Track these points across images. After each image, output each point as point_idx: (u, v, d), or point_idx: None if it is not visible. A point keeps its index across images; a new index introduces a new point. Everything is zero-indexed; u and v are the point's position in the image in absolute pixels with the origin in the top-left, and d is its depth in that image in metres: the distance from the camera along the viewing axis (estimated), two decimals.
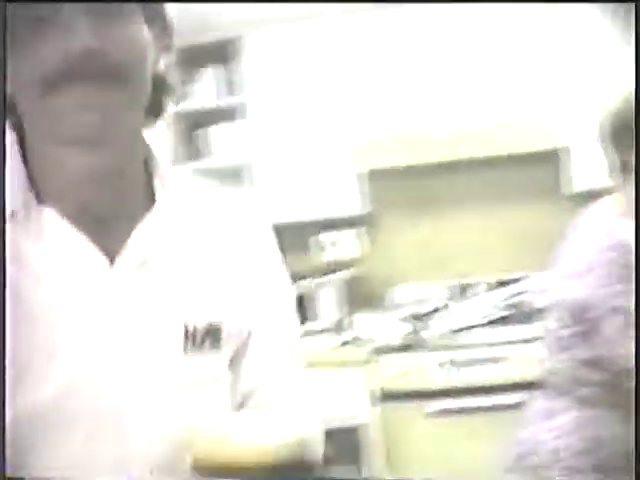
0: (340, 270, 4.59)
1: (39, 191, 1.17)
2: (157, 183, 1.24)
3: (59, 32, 1.07)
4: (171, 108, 3.96)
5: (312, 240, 4.67)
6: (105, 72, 1.09)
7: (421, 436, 3.90)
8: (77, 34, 1.07)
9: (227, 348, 1.26)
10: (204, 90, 4.93)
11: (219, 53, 4.83)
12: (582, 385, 2.08)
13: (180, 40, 3.92)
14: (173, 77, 1.24)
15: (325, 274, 4.55)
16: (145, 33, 1.15)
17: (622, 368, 1.97)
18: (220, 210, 1.32)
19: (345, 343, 4.21)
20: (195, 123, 4.93)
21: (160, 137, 3.61)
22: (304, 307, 4.43)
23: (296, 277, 4.51)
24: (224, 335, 1.24)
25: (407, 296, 4.57)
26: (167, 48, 1.22)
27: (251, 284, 1.30)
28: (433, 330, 4.11)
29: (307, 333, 4.26)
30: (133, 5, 1.13)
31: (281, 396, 1.33)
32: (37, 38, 1.08)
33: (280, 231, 4.94)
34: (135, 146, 1.21)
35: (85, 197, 1.17)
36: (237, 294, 1.28)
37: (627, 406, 1.94)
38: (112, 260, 1.17)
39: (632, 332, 1.92)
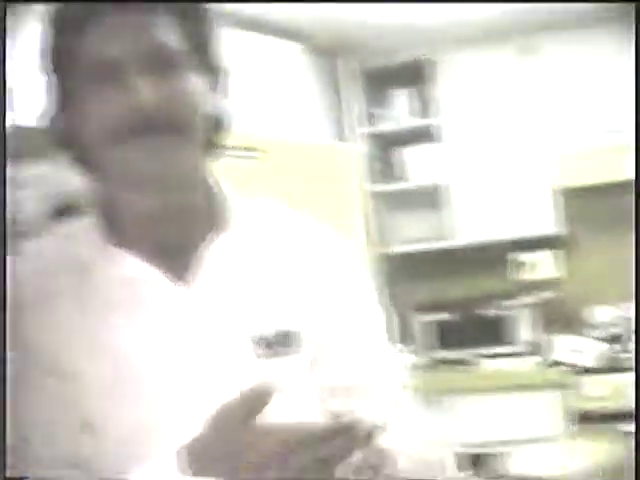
0: (537, 291, 4.52)
1: (111, 235, 1.30)
2: (224, 210, 1.34)
3: (122, 92, 1.21)
4: (364, 129, 3.99)
5: (509, 260, 4.62)
6: (164, 124, 1.22)
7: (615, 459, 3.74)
8: (137, 93, 1.21)
9: (302, 354, 1.32)
10: (398, 112, 4.99)
11: (413, 74, 4.88)
12: None
13: (373, 61, 3.98)
14: (225, 114, 1.34)
15: (521, 295, 4.50)
16: (196, 82, 1.27)
17: None
18: (296, 227, 1.41)
19: (542, 364, 4.18)
20: (389, 144, 4.99)
21: (355, 159, 3.65)
22: (500, 328, 4.39)
23: (492, 298, 4.54)
24: (297, 341, 1.31)
25: (606, 317, 4.45)
26: (219, 89, 1.33)
27: (330, 295, 1.37)
28: (627, 351, 4.03)
29: (503, 355, 4.26)
30: (185, 58, 1.25)
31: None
32: (102, 98, 1.23)
33: (477, 251, 4.76)
34: (197, 181, 1.32)
35: (155, 234, 1.29)
36: (313, 304, 1.35)
37: None
38: (183, 284, 1.28)
39: None
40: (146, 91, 1.21)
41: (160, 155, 1.23)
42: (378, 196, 4.86)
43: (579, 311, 4.53)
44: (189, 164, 1.28)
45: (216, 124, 1.33)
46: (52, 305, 1.27)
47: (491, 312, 4.50)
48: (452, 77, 4.73)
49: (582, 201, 4.52)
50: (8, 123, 2.76)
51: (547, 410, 4.00)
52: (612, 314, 4.43)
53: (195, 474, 1.12)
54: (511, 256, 4.61)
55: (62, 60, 1.26)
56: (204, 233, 1.31)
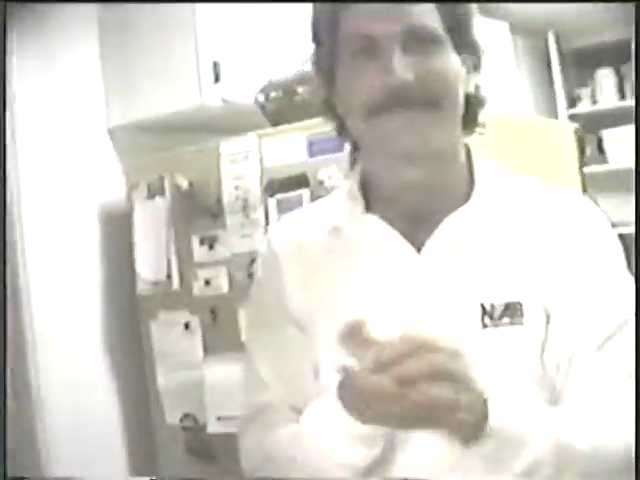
0: None
1: (366, 202, 1.38)
2: (476, 182, 1.36)
3: (380, 67, 1.25)
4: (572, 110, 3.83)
5: None
6: (421, 100, 1.25)
7: None
8: (395, 70, 1.24)
9: (529, 326, 1.29)
10: (601, 92, 4.86)
11: (616, 54, 4.75)
12: None
13: (579, 40, 3.85)
14: (482, 92, 1.36)
15: None
16: (454, 61, 1.29)
17: None
18: (545, 203, 1.38)
19: None
20: (594, 125, 4.86)
21: (572, 138, 3.55)
22: None
23: None
24: (524, 313, 1.29)
25: None
26: (476, 68, 1.35)
27: (575, 273, 1.32)
28: None
29: None
30: (443, 38, 1.28)
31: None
32: (360, 72, 1.27)
33: None
34: (452, 156, 1.35)
35: (406, 203, 1.34)
36: (557, 279, 1.31)
37: None
38: (419, 249, 1.32)
39: None
40: (405, 69, 1.24)
41: (416, 129, 1.26)
42: (586, 177, 4.72)
43: None
44: (445, 140, 1.32)
45: (474, 102, 1.35)
46: (307, 263, 1.39)
47: None
48: None
49: None
50: (219, 98, 2.85)
51: None
52: None
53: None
54: None
55: (324, 32, 1.32)
56: (450, 204, 1.34)
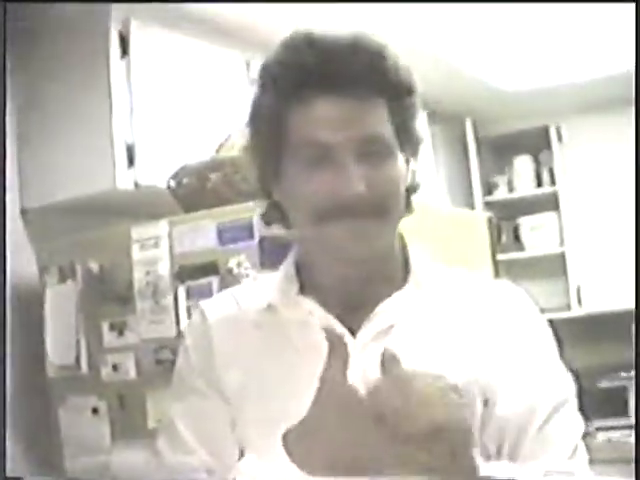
0: None
1: (301, 285, 1.40)
2: (411, 268, 1.39)
3: (334, 177, 1.26)
4: (488, 197, 3.91)
5: (633, 330, 4.37)
6: (371, 210, 1.27)
7: None
8: (349, 181, 1.25)
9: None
10: (519, 179, 4.96)
11: (534, 141, 4.86)
12: None
13: (496, 128, 3.94)
14: (417, 179, 1.39)
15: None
16: (401, 165, 1.32)
17: None
18: (478, 290, 1.42)
19: None
20: (511, 212, 4.97)
21: (485, 226, 3.60)
22: (621, 400, 4.25)
23: (615, 368, 4.37)
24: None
25: None
26: (414, 156, 1.37)
27: (511, 357, 1.35)
28: None
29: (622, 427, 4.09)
30: (394, 145, 1.29)
31: None
32: (310, 178, 1.28)
33: (598, 321, 4.60)
34: (390, 250, 1.38)
35: (342, 292, 1.36)
36: (489, 360, 1.33)
37: None
38: (354, 333, 1.33)
39: None
40: (358, 180, 1.25)
41: (364, 237, 1.28)
42: (502, 265, 4.80)
43: None
44: (389, 241, 1.36)
45: (410, 188, 1.37)
46: (240, 337, 1.40)
47: (614, 383, 4.38)
48: (573, 143, 4.70)
49: None
50: (132, 182, 2.84)
51: None
52: None
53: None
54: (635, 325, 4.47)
55: (267, 124, 1.31)
56: (386, 290, 1.36)
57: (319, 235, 1.30)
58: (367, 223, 1.27)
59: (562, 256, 4.78)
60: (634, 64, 2.31)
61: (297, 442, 1.13)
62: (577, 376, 4.32)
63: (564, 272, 4.75)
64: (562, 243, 4.79)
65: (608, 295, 4.51)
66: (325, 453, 1.10)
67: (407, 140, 1.33)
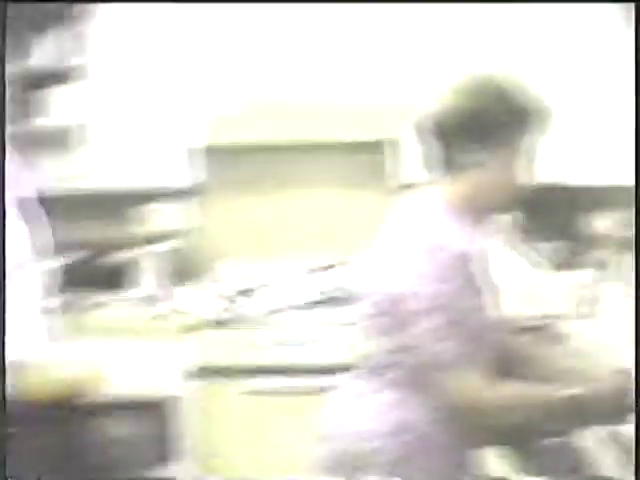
0: (164, 241, 4.48)
1: None
2: None
3: None
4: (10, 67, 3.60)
5: (140, 210, 4.47)
6: None
7: (234, 413, 3.88)
8: None
9: None
10: (46, 50, 4.58)
11: (64, 14, 4.48)
12: (392, 369, 2.16)
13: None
14: None
15: (149, 244, 4.43)
16: None
17: (431, 360, 2.06)
18: None
19: (162, 315, 4.15)
20: (34, 83, 4.55)
21: None
22: (125, 276, 4.37)
23: (119, 245, 4.33)
24: None
25: (229, 273, 4.47)
26: None
27: None
28: (252, 308, 4.14)
29: (125, 301, 4.26)
30: None
31: None
32: None
33: (106, 199, 4.32)
34: None
35: None
36: None
37: (430, 391, 2.10)
38: None
39: (451, 329, 2.04)
40: None
41: None
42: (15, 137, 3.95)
43: (207, 264, 4.54)
44: None
45: None
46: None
47: (117, 258, 4.41)
48: (106, 18, 4.40)
49: (221, 158, 4.54)
50: None
51: (164, 361, 3.99)
52: (236, 269, 4.46)
53: None
54: (142, 204, 4.46)
55: None
56: None
57: None
58: None
59: (76, 128, 4.38)
60: (634, 64, 2.41)
61: None
62: (83, 249, 4.29)
63: (77, 144, 4.37)
64: (78, 115, 4.39)
65: (119, 172, 4.37)
66: None
67: None
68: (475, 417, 2.11)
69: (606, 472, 2.04)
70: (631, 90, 2.32)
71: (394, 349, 2.15)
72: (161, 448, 4.10)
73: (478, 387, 2.08)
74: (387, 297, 2.13)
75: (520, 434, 2.19)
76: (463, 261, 2.06)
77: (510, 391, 2.14)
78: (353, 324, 2.33)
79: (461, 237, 2.09)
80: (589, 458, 2.05)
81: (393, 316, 2.12)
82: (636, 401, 1.38)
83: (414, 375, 2.13)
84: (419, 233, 2.12)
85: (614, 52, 2.97)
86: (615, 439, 2.06)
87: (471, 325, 2.07)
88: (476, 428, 2.15)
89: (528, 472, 2.02)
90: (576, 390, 2.08)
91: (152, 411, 4.20)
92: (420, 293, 2.04)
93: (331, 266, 4.40)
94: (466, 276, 2.07)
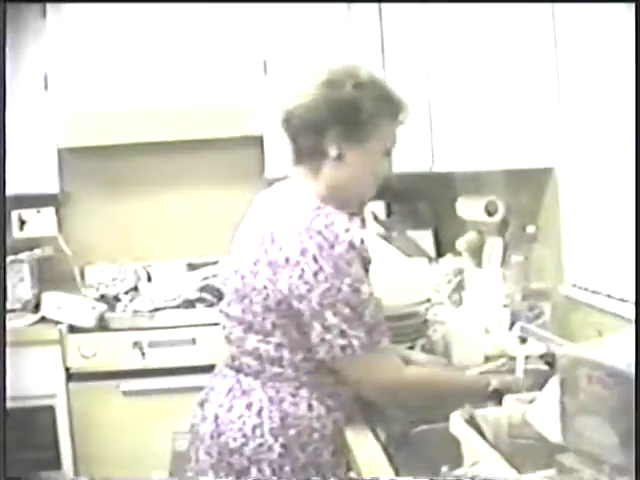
0: (33, 248, 4.46)
1: None
2: None
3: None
4: None
5: (11, 216, 4.41)
6: None
7: (112, 416, 3.91)
8: None
9: None
10: None
11: None
12: (275, 365, 2.18)
13: None
14: None
15: (18, 252, 4.37)
16: None
17: (339, 354, 2.08)
18: None
19: (37, 322, 4.15)
20: None
21: None
22: None
23: None
24: None
25: (99, 276, 4.45)
26: None
27: None
28: (124, 311, 4.17)
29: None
30: None
31: None
32: None
33: None
34: None
35: None
36: None
37: (311, 386, 2.17)
38: None
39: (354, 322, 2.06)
40: None
41: None
42: None
43: (75, 269, 4.50)
44: None
45: None
46: None
47: None
48: None
49: (85, 161, 4.58)
50: None
51: (42, 367, 4.03)
52: (107, 273, 4.46)
53: None
54: (13, 212, 4.41)
55: None
56: None
57: None
58: None
59: None
60: (634, 65, 2.36)
61: None
62: None
63: None
64: None
65: None
66: None
67: None
68: (390, 400, 2.17)
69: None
70: (631, 90, 2.36)
71: (285, 345, 2.15)
72: (42, 453, 4.07)
73: (393, 371, 2.13)
74: (271, 295, 2.12)
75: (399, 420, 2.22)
76: (358, 249, 2.06)
77: (422, 373, 2.25)
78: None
79: (349, 225, 2.09)
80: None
81: (277, 314, 2.12)
82: (636, 402, 1.40)
83: (307, 370, 2.17)
84: (301, 225, 2.08)
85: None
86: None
87: (370, 313, 2.08)
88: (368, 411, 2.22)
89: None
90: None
91: (34, 416, 4.15)
92: (320, 289, 2.03)
93: (205, 265, 4.40)
94: (362, 264, 2.08)
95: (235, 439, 2.16)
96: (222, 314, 2.31)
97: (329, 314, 2.04)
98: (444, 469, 1.46)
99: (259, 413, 2.16)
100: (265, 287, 2.12)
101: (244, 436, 2.16)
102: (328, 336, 2.06)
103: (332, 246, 2.03)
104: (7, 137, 4.16)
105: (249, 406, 2.18)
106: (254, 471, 2.15)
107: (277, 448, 2.15)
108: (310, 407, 2.17)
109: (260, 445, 2.15)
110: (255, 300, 2.15)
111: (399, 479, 1.68)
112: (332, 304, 2.04)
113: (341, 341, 2.06)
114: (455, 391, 2.19)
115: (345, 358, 2.08)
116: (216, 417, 2.22)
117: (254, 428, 2.15)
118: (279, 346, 2.15)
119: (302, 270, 2.04)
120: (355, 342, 2.06)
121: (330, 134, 2.14)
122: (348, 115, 2.12)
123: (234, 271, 2.25)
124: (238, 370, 2.24)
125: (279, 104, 2.23)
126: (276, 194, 2.28)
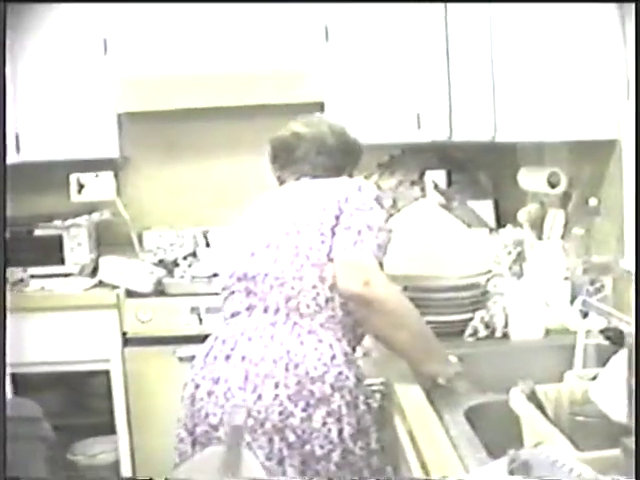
0: (92, 212, 4.47)
1: None
2: None
3: None
4: None
5: (68, 180, 4.39)
6: None
7: (167, 382, 3.83)
8: None
9: None
10: None
11: None
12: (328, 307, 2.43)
13: None
14: None
15: (76, 216, 4.40)
16: None
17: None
18: None
19: (94, 286, 4.19)
20: None
21: None
22: (57, 248, 4.34)
23: (51, 217, 4.30)
24: None
25: (157, 241, 4.49)
26: None
27: None
28: (182, 276, 4.19)
29: (57, 274, 4.27)
30: None
31: None
32: None
33: (39, 168, 4.44)
34: None
35: None
36: None
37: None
38: None
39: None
40: None
41: None
42: None
43: (133, 234, 4.50)
44: None
45: None
46: None
47: (49, 232, 4.37)
48: None
49: (144, 126, 4.59)
50: None
51: (99, 331, 4.06)
52: (165, 238, 4.48)
53: None
54: (72, 176, 4.38)
55: None
56: None
57: None
58: None
59: None
60: (634, 65, 2.41)
61: None
62: (18, 223, 4.42)
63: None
64: None
65: (47, 144, 4.37)
66: None
67: None
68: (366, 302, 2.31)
69: None
70: (631, 90, 2.31)
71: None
72: (97, 417, 4.16)
73: (385, 281, 2.35)
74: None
75: None
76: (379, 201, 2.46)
77: (406, 300, 2.42)
78: None
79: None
80: None
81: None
82: (636, 403, 1.38)
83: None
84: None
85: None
86: None
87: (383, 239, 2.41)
88: None
89: None
90: None
91: (91, 380, 4.25)
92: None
93: None
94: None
95: (316, 367, 2.31)
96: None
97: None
98: (511, 452, 1.45)
99: (331, 347, 2.36)
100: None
101: (325, 364, 2.33)
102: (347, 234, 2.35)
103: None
104: (67, 101, 4.26)
105: (320, 341, 2.36)
106: (337, 397, 2.31)
107: (352, 378, 2.35)
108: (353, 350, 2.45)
109: (339, 373, 2.33)
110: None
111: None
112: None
113: (357, 237, 2.34)
114: (421, 334, 2.39)
115: (355, 253, 2.33)
116: (287, 352, 2.33)
117: (332, 358, 2.33)
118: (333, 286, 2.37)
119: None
120: (367, 244, 2.33)
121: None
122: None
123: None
124: (287, 314, 2.40)
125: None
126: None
